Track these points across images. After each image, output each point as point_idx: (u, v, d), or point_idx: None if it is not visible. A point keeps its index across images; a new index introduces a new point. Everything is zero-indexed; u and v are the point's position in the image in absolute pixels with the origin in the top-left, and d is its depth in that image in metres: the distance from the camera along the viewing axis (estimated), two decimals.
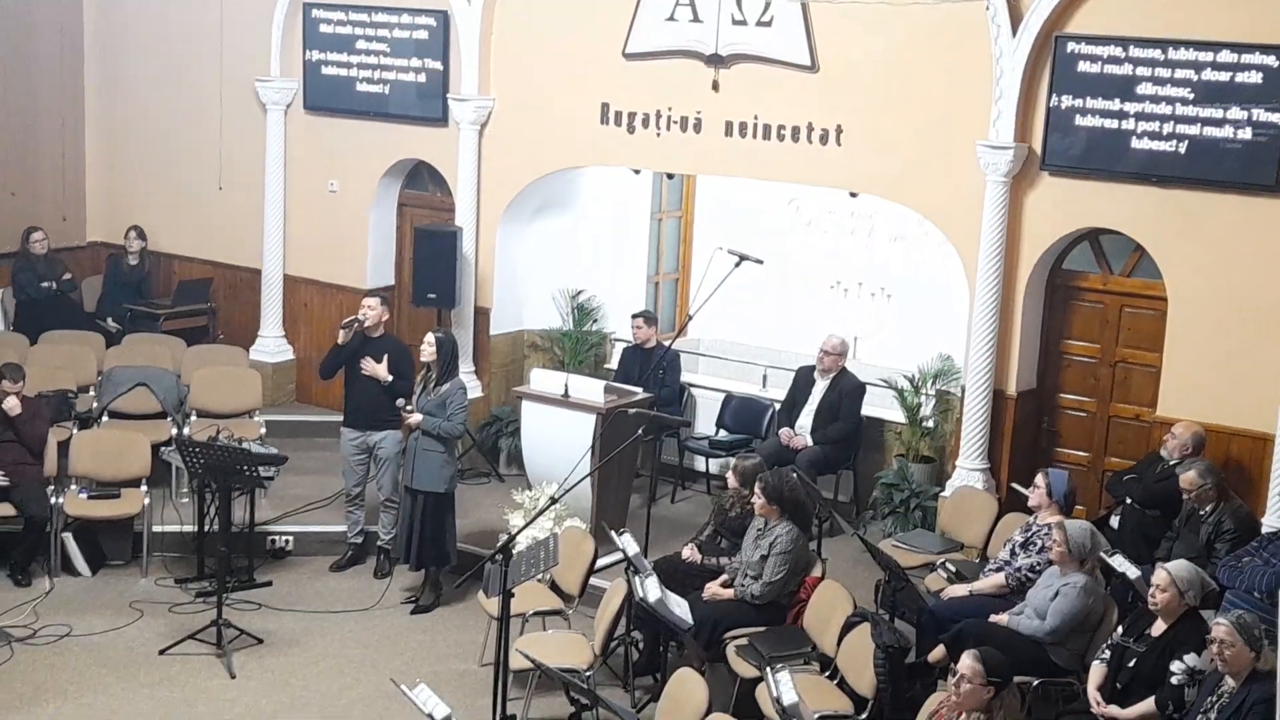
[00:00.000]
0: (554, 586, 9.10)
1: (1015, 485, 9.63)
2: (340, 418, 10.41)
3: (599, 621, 8.35)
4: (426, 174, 12.65)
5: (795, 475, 8.89)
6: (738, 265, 10.24)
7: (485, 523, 10.75)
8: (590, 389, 10.26)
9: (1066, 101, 9.66)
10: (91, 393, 11.82)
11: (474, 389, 11.82)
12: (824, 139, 10.58)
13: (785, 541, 8.45)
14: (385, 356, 9.93)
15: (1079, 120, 9.64)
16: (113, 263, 13.39)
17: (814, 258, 12.68)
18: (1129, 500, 9.23)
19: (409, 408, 9.64)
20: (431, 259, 11.74)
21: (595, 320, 12.43)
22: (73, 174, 13.93)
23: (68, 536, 10.10)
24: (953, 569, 8.93)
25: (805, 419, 10.88)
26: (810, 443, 10.75)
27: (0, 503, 9.84)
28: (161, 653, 9.02)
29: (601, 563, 9.18)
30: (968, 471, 10.20)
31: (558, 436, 10.19)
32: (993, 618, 8.08)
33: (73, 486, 10.33)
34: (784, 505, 8.54)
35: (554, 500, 8.42)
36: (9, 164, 13.37)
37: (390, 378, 9.88)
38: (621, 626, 8.48)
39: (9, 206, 13.34)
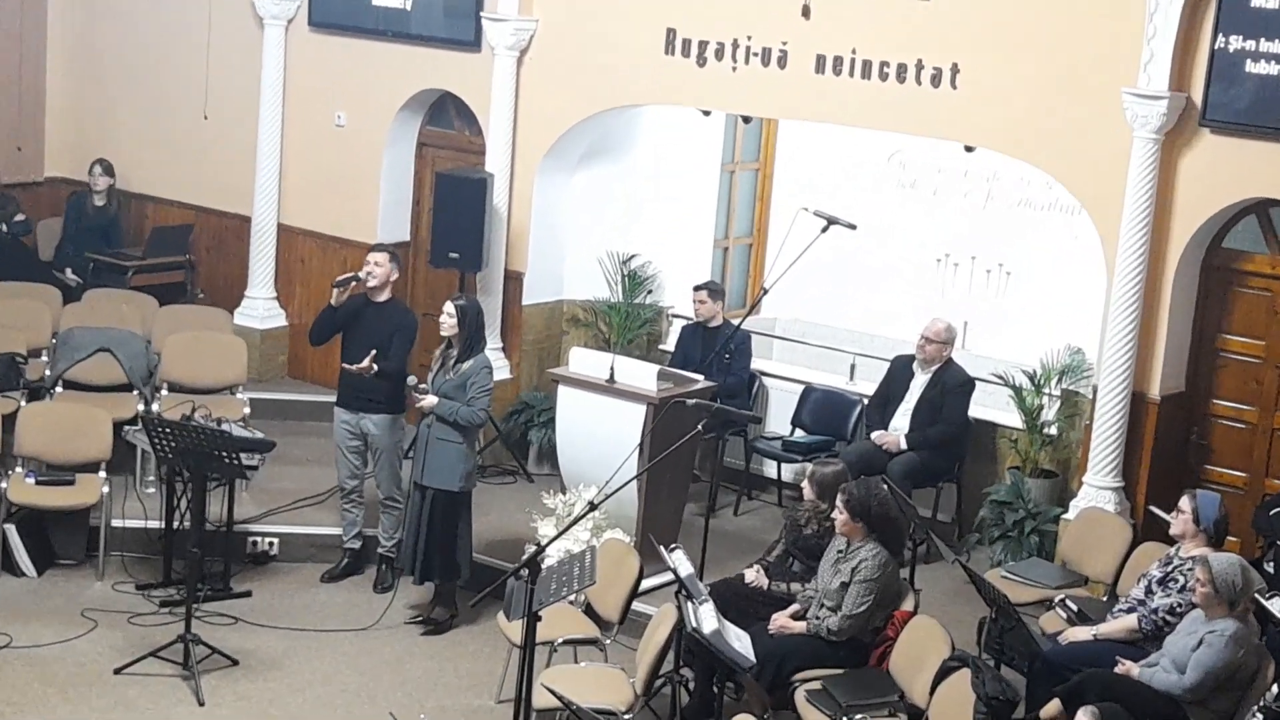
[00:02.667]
0: (589, 610, 9.11)
1: (1154, 509, 9.55)
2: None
3: (642, 654, 8.36)
4: (453, 108, 12.68)
5: (886, 487, 8.84)
6: (825, 230, 10.18)
7: (509, 530, 10.78)
8: (641, 374, 10.25)
9: (1235, 43, 9.54)
10: (44, 357, 11.93)
11: (501, 369, 11.84)
12: (935, 80, 10.50)
13: (871, 567, 8.42)
14: (371, 354, 9.89)
15: (1250, 66, 9.52)
16: (75, 203, 13.50)
17: (918, 225, 12.62)
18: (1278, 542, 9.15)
19: (422, 386, 9.66)
20: (455, 211, 11.76)
21: (650, 291, 12.43)
22: (30, 96, 14.04)
23: (10, 529, 10.19)
24: (1074, 608, 8.87)
25: (901, 419, 10.85)
26: (905, 447, 10.71)
27: None
28: (117, 671, 9.08)
29: (647, 584, 9.17)
30: (1096, 490, 10.13)
31: (600, 430, 10.19)
32: (1120, 668, 8.02)
33: (18, 469, 10.42)
34: (871, 523, 8.51)
35: (593, 506, 8.42)
36: None
37: (376, 368, 9.87)
38: (669, 662, 8.47)
39: None
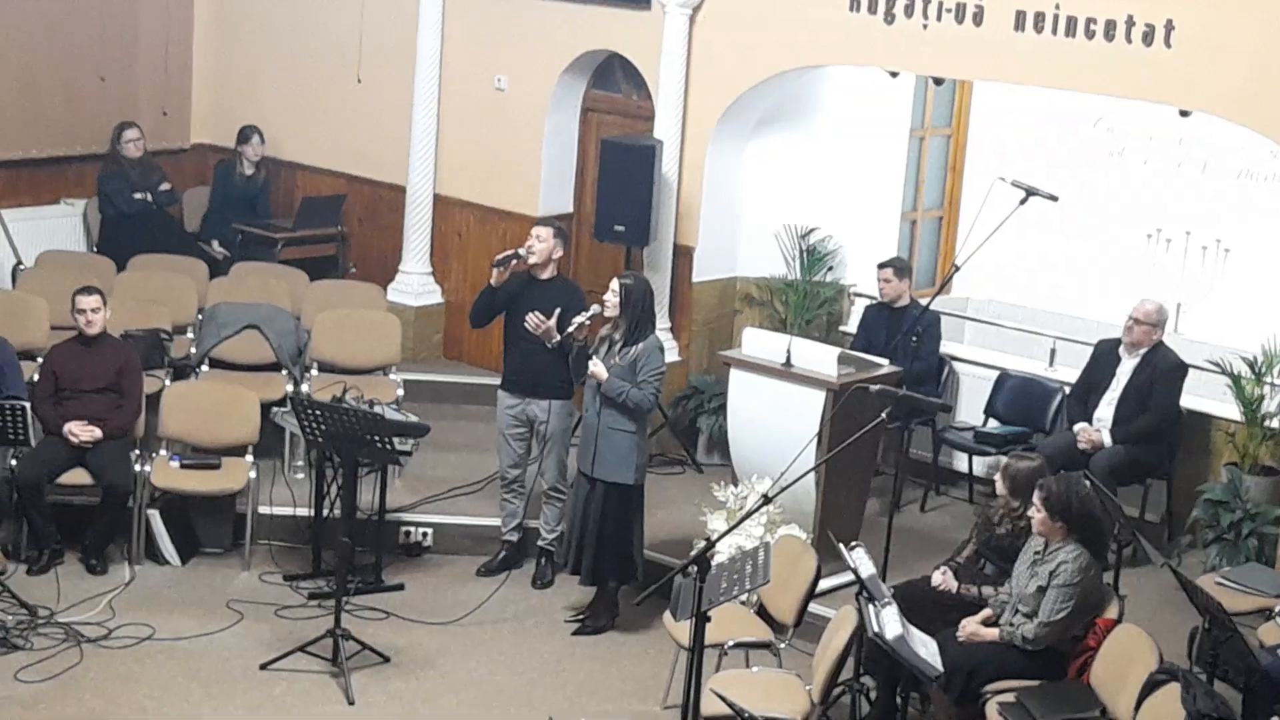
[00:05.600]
0: (762, 611, 9.12)
1: None
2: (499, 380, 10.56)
3: (819, 660, 8.34)
4: (620, 71, 12.73)
5: (1088, 483, 8.75)
6: (1024, 202, 10.10)
7: (676, 525, 10.81)
8: (820, 357, 10.23)
9: None
10: (189, 334, 12.20)
11: (669, 351, 11.84)
12: (1147, 38, 10.33)
13: (1071, 570, 8.33)
14: (557, 311, 9.97)
15: None
16: (222, 171, 13.75)
17: (1127, 197, 12.48)
18: None
19: (581, 330, 9.59)
20: (621, 181, 11.81)
21: (830, 268, 12.38)
22: (178, 58, 14.34)
23: (154, 515, 10.44)
24: None
25: (1105, 409, 10.72)
26: (1110, 441, 10.58)
27: (75, 467, 10.22)
28: (263, 667, 9.26)
29: (825, 584, 9.16)
30: None
31: (774, 417, 10.18)
32: None
33: (162, 451, 10.66)
34: (1072, 522, 8.42)
35: (767, 500, 8.40)
36: (100, 42, 13.81)
37: (559, 337, 9.93)
38: (848, 669, 8.45)
39: (97, 95, 13.79)
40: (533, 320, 9.90)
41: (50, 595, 9.78)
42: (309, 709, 8.93)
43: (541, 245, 10.21)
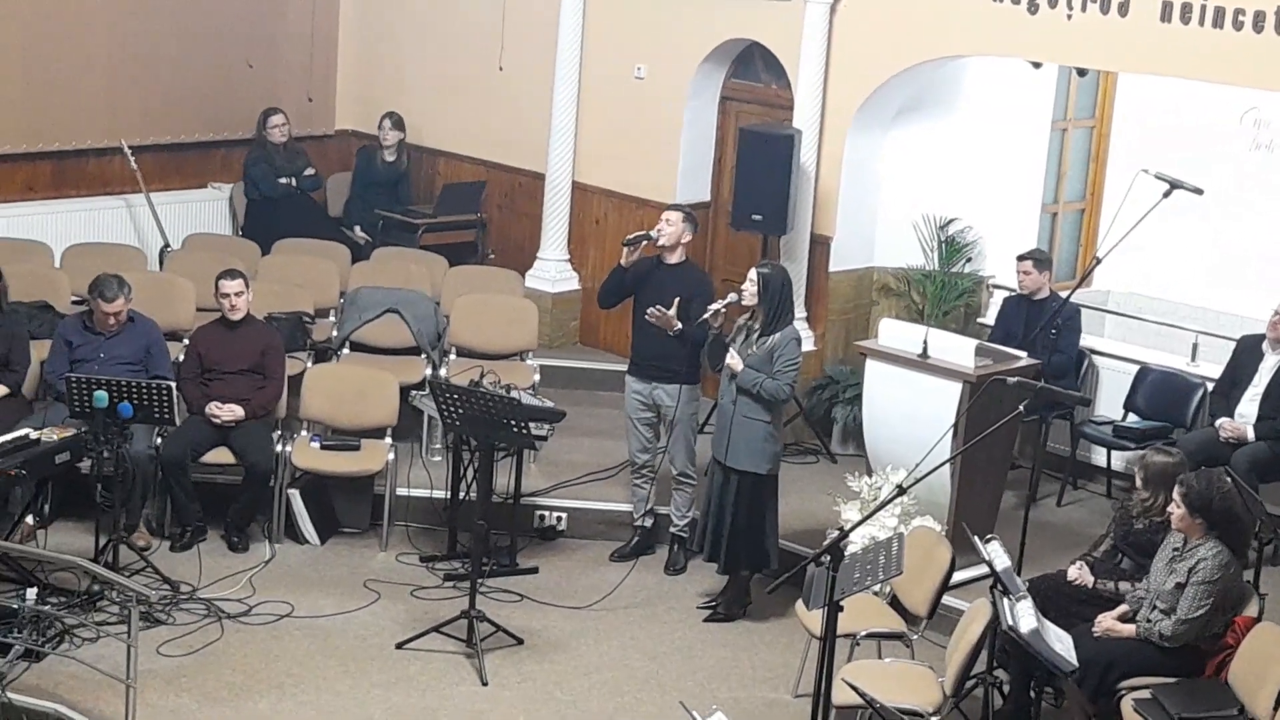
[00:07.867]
0: (895, 602, 9.08)
1: None
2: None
3: (952, 653, 8.30)
4: (760, 60, 12.70)
5: (1229, 479, 8.63)
6: (1167, 195, 9.97)
7: (809, 514, 10.80)
8: (957, 349, 10.16)
9: None
10: (331, 317, 12.35)
11: (805, 340, 11.82)
12: None
13: (1211, 567, 8.23)
14: (676, 301, 9.97)
15: None
16: (365, 157, 13.91)
17: (1273, 190, 12.26)
18: None
19: (717, 317, 9.60)
20: (759, 170, 11.79)
21: (969, 259, 12.30)
22: (323, 45, 14.53)
23: (294, 494, 10.57)
24: None
25: (1248, 405, 10.58)
26: (1253, 437, 10.43)
27: (218, 447, 10.39)
28: (399, 646, 9.37)
29: (959, 576, 9.11)
30: None
31: (910, 408, 10.14)
32: None
33: (303, 432, 10.80)
34: (1212, 519, 8.31)
35: (901, 490, 8.38)
36: (247, 29, 14.05)
37: (679, 326, 9.94)
38: (981, 662, 8.40)
39: (245, 81, 14.04)
40: (653, 313, 9.93)
41: (192, 571, 9.96)
42: (443, 689, 9.01)
43: (671, 229, 10.24)
